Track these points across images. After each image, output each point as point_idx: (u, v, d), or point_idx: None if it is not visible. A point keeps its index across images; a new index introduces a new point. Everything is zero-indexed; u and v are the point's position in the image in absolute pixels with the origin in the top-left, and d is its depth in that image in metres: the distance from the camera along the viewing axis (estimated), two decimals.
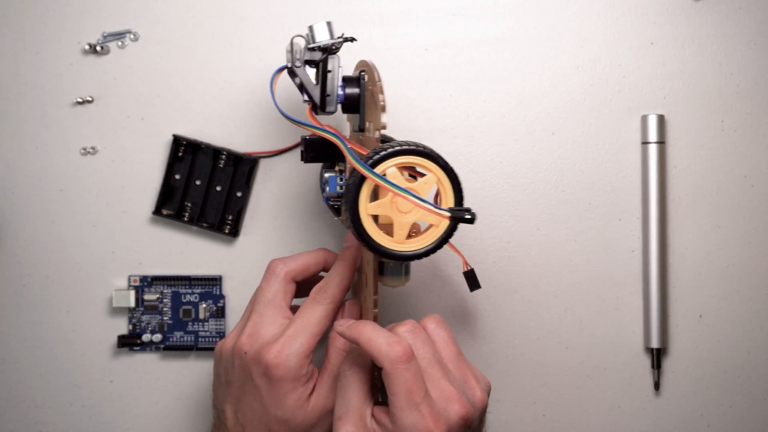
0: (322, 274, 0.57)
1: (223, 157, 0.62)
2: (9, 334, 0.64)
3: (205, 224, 0.63)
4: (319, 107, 0.51)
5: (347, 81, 0.51)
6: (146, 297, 0.63)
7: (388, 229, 0.47)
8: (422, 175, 0.48)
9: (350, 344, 0.50)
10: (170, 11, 0.63)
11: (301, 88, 0.51)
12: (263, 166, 0.63)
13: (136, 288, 0.63)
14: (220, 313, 0.63)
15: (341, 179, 0.52)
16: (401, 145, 0.46)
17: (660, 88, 0.63)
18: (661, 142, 0.62)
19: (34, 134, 0.63)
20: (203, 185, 0.63)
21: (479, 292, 0.63)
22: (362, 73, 0.51)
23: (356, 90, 0.51)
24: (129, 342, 0.63)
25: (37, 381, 0.64)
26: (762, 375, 0.64)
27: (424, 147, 0.47)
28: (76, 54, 0.63)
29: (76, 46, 0.63)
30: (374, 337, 0.46)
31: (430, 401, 0.46)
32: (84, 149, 0.63)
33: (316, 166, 0.63)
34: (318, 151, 0.52)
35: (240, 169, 0.62)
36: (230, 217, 0.63)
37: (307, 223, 0.63)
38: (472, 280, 0.53)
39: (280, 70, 0.52)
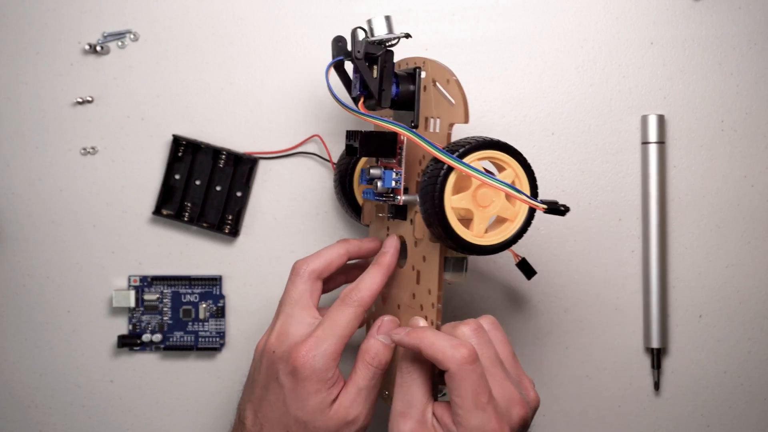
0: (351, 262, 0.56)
1: (223, 157, 0.62)
2: (9, 334, 0.64)
3: (205, 224, 0.63)
4: (376, 101, 0.50)
5: (401, 77, 0.51)
6: (146, 297, 0.63)
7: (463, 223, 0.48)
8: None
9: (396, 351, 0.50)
10: (170, 11, 0.63)
11: (355, 81, 0.50)
12: (263, 166, 0.63)
13: (136, 288, 0.63)
14: (220, 313, 0.63)
15: (397, 174, 0.51)
16: (485, 139, 0.46)
17: (660, 88, 0.63)
18: (661, 142, 0.62)
19: (34, 134, 0.63)
20: (203, 185, 0.63)
21: (479, 292, 0.63)
22: (418, 70, 0.51)
23: (411, 87, 0.51)
24: (129, 342, 0.63)
25: (37, 381, 0.64)
26: (762, 375, 0.64)
27: (504, 142, 0.47)
28: (76, 54, 0.63)
29: (76, 46, 0.63)
30: (437, 340, 0.46)
31: (494, 402, 0.46)
32: (84, 149, 0.63)
33: (320, 166, 0.63)
34: (373, 145, 0.51)
35: (240, 169, 0.62)
36: (230, 217, 0.63)
37: (307, 223, 0.63)
38: (527, 268, 0.54)
39: (335, 62, 0.51)
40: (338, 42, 0.51)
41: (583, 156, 0.63)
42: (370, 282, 0.52)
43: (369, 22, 0.50)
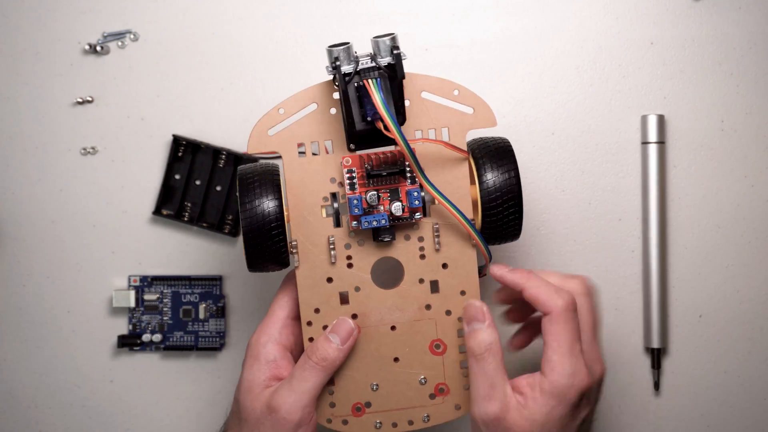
0: None
1: (223, 157, 0.62)
2: (9, 334, 0.64)
3: (205, 224, 0.63)
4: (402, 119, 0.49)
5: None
6: (146, 297, 0.63)
7: None
8: None
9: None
10: (170, 11, 0.63)
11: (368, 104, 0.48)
12: None
13: (136, 288, 0.63)
14: (220, 313, 0.63)
15: (417, 192, 0.50)
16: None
17: (660, 88, 0.63)
18: (661, 142, 0.62)
19: (34, 134, 0.63)
20: (203, 185, 0.63)
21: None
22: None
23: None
24: (129, 342, 0.63)
25: (37, 381, 0.64)
26: (762, 375, 0.64)
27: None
28: (76, 54, 0.63)
29: (76, 46, 0.63)
30: (542, 284, 0.50)
31: (584, 356, 0.49)
32: (84, 149, 0.63)
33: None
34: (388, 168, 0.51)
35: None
36: (230, 217, 0.63)
37: None
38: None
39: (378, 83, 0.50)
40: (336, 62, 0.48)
41: (583, 156, 0.63)
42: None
43: (376, 42, 0.48)
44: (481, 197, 0.50)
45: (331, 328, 0.52)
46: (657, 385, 0.63)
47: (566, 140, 0.63)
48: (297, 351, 0.53)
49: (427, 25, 0.63)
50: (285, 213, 0.50)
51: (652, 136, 0.62)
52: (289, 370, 0.52)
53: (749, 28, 0.63)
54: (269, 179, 0.51)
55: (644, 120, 0.62)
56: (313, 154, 0.51)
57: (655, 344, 0.62)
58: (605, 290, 0.63)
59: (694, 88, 0.63)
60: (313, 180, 0.51)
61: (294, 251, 0.51)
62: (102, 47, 0.63)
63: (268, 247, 0.50)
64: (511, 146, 0.52)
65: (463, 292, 0.52)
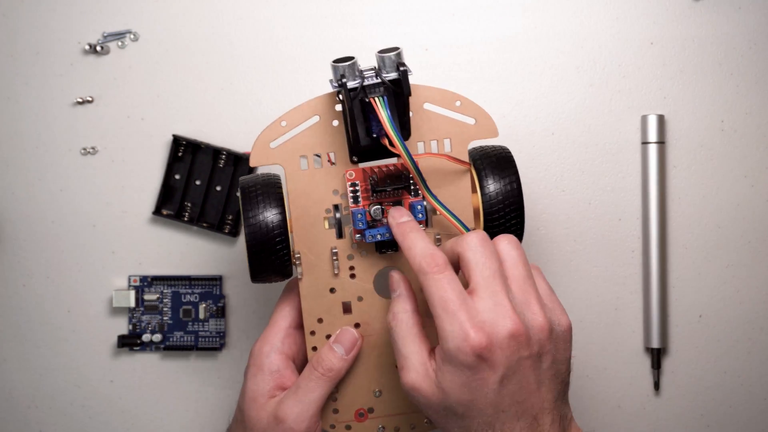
0: None
1: (223, 157, 0.62)
2: (9, 334, 0.64)
3: (205, 224, 0.63)
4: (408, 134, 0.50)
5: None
6: (146, 297, 0.63)
7: None
8: None
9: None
10: (170, 11, 0.63)
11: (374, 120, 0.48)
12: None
13: (136, 288, 0.63)
14: (220, 313, 0.63)
15: (421, 206, 0.51)
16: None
17: (660, 88, 0.63)
18: (661, 142, 0.62)
19: (34, 134, 0.63)
20: (203, 185, 0.63)
21: None
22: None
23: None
24: (129, 342, 0.63)
25: (37, 381, 0.64)
26: (762, 375, 0.64)
27: None
28: (76, 54, 0.63)
29: (76, 46, 0.63)
30: (414, 245, 0.47)
31: (471, 310, 0.44)
32: (84, 149, 0.63)
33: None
34: (392, 182, 0.51)
35: (240, 169, 0.62)
36: (230, 217, 0.63)
37: None
38: None
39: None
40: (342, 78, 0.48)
41: (583, 156, 0.63)
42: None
43: (381, 57, 0.47)
44: (483, 206, 0.50)
45: (335, 338, 0.52)
46: (657, 385, 0.63)
47: (566, 140, 0.63)
48: (300, 360, 0.53)
49: (427, 25, 0.63)
50: (288, 224, 0.50)
51: (652, 136, 0.62)
52: (293, 380, 0.52)
53: (749, 28, 0.63)
54: (272, 191, 0.51)
55: (644, 120, 0.62)
56: (317, 157, 0.51)
57: (655, 344, 0.62)
58: (605, 290, 0.63)
59: (694, 88, 0.63)
60: (315, 191, 0.51)
61: (297, 263, 0.51)
62: (102, 47, 0.63)
63: (272, 260, 0.50)
64: (512, 155, 0.52)
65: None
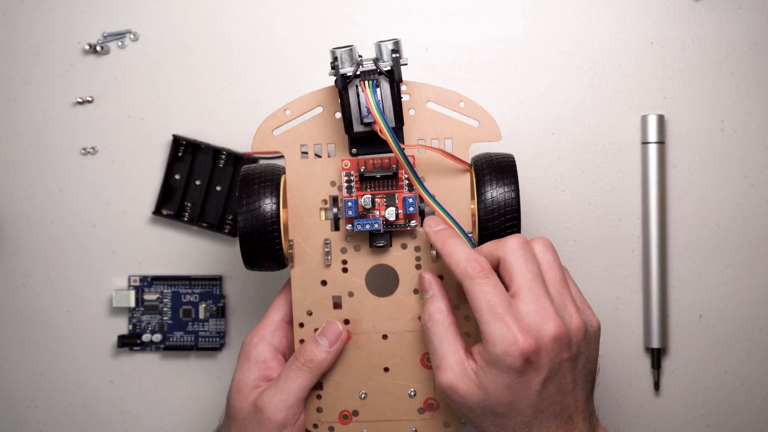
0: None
1: (223, 157, 0.62)
2: (9, 334, 0.64)
3: (205, 224, 0.63)
4: (396, 125, 0.50)
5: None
6: (146, 297, 0.63)
7: None
8: None
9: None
10: (170, 11, 0.63)
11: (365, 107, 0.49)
12: None
13: (136, 288, 0.63)
14: (220, 313, 0.63)
15: (412, 199, 0.50)
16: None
17: (660, 88, 0.63)
18: (661, 142, 0.62)
19: (34, 134, 0.63)
20: (203, 185, 0.63)
21: None
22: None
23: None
24: (129, 342, 0.63)
25: (36, 381, 0.64)
26: (762, 375, 0.64)
27: None
28: (76, 54, 0.63)
29: (76, 46, 0.63)
30: (456, 251, 0.47)
31: (516, 313, 0.45)
32: (84, 149, 0.63)
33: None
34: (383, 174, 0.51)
35: (240, 169, 0.62)
36: (230, 217, 0.63)
37: None
38: None
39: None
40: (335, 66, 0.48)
41: (583, 156, 0.63)
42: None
43: (378, 45, 0.48)
44: (479, 212, 0.50)
45: (320, 331, 0.52)
46: (657, 385, 0.63)
47: (566, 140, 0.63)
48: (289, 354, 0.53)
49: (427, 25, 0.63)
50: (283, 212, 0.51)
51: (652, 136, 0.62)
52: (279, 372, 0.52)
53: (749, 28, 0.63)
54: (270, 178, 0.51)
55: (644, 120, 0.62)
56: (316, 155, 0.51)
57: (655, 344, 0.62)
58: (605, 290, 0.63)
59: (694, 88, 0.63)
60: (313, 182, 0.51)
61: (290, 251, 0.51)
62: (102, 47, 0.63)
63: (264, 246, 0.50)
64: (514, 162, 0.51)
65: (458, 306, 0.51)
